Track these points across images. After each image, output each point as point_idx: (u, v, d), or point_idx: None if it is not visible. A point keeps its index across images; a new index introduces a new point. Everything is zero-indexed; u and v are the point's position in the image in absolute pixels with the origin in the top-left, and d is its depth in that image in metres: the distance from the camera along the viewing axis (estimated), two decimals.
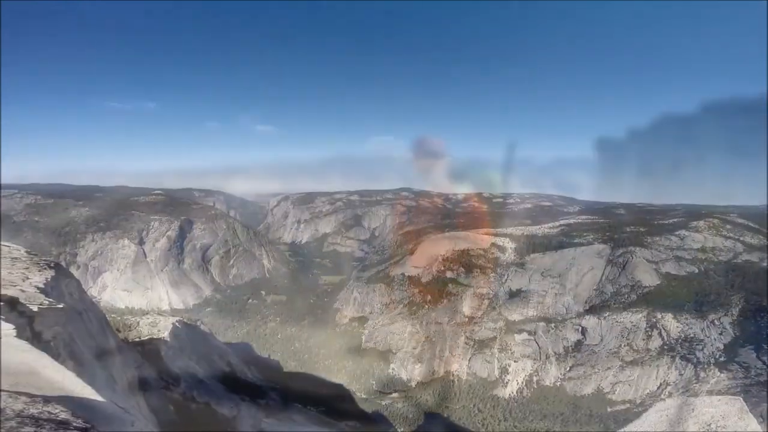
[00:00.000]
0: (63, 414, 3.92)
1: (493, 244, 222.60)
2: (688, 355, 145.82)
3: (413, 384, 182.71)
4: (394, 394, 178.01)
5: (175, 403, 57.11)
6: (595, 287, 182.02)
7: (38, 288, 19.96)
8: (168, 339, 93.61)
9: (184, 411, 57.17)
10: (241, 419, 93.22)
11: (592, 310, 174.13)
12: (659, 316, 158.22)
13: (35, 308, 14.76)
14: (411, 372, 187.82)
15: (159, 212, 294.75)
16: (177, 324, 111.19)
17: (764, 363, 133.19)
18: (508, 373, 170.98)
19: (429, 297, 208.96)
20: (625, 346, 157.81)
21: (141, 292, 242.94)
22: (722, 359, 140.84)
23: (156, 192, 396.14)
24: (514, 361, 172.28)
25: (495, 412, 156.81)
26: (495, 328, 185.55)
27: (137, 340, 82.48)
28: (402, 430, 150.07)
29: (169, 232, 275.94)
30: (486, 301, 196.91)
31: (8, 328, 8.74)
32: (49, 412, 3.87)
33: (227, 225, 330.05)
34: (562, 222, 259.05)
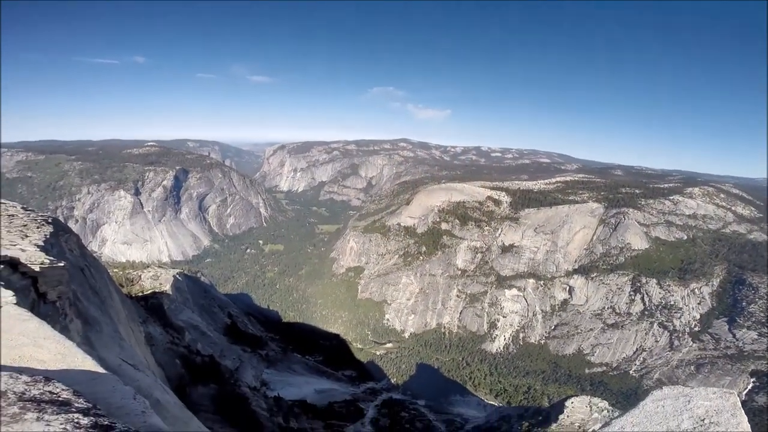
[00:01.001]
0: (64, 393, 4.10)
1: (489, 198, 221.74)
2: (665, 323, 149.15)
3: (407, 335, 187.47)
4: (389, 344, 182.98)
5: (181, 356, 59.11)
6: (585, 247, 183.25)
7: (38, 246, 19.57)
8: (170, 292, 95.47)
9: (189, 364, 59.53)
10: (244, 370, 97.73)
11: (581, 270, 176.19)
12: (644, 280, 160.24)
13: (37, 268, 14.67)
14: (405, 323, 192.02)
15: (153, 163, 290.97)
16: (178, 276, 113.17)
17: (734, 336, 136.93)
18: (496, 328, 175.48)
19: (424, 248, 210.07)
20: (608, 308, 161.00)
21: (140, 245, 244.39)
22: (696, 329, 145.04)
23: (149, 143, 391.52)
24: (503, 317, 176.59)
25: (482, 366, 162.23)
26: (486, 282, 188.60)
27: (141, 294, 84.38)
28: (395, 380, 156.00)
29: (164, 182, 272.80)
30: (479, 255, 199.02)
31: (8, 296, 8.88)
32: (50, 392, 4.05)
33: (223, 173, 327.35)
34: (558, 179, 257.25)
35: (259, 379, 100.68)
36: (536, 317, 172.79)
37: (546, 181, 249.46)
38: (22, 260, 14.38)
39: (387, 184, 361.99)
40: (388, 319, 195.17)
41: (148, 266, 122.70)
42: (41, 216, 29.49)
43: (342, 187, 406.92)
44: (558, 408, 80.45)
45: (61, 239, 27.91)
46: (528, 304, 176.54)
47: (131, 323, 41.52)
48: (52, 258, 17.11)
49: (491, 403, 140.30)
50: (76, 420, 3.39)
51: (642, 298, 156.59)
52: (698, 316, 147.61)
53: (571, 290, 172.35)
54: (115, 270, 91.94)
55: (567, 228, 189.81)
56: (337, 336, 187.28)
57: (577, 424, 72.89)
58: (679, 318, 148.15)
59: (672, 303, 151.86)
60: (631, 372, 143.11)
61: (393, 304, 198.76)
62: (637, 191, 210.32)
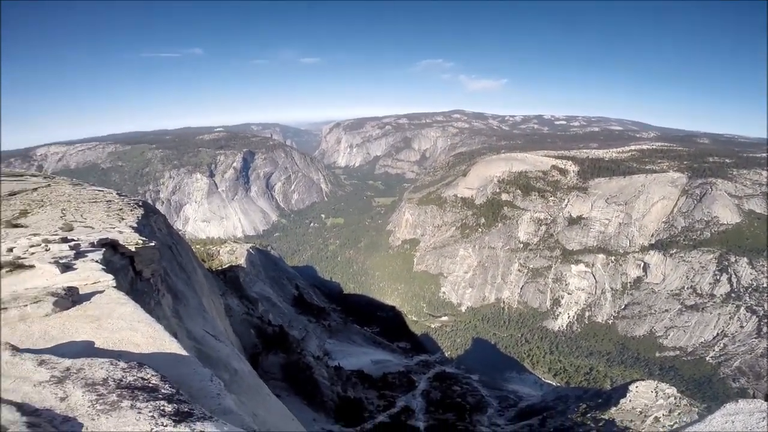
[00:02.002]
0: (153, 379, 4.62)
1: (554, 167, 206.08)
2: (755, 306, 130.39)
3: (463, 309, 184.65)
4: (444, 318, 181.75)
5: (255, 326, 64.35)
6: (664, 219, 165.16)
7: (133, 227, 21.78)
8: (245, 265, 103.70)
9: (262, 334, 64.74)
10: (309, 340, 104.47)
11: (658, 245, 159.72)
12: (733, 259, 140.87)
13: (133, 248, 16.14)
14: (461, 296, 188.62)
15: (223, 147, 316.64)
16: (251, 251, 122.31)
17: None
18: (560, 306, 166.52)
19: (482, 220, 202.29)
20: (688, 288, 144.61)
21: (217, 222, 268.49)
22: None
23: (217, 129, 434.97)
24: (568, 294, 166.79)
25: (542, 344, 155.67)
26: (551, 256, 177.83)
27: (220, 268, 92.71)
28: (449, 353, 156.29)
29: (234, 164, 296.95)
30: (543, 227, 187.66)
31: (108, 279, 10.03)
32: (142, 379, 4.59)
33: (285, 153, 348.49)
34: (633, 147, 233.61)
35: (322, 349, 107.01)
36: (605, 295, 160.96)
37: (619, 149, 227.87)
38: (121, 242, 16.09)
39: (441, 156, 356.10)
40: (444, 293, 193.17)
41: (225, 242, 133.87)
42: (133, 200, 32.99)
43: (396, 160, 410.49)
44: (620, 391, 76.10)
45: (151, 220, 31.03)
46: (596, 281, 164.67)
47: (212, 296, 45.52)
48: (144, 238, 19.00)
49: (549, 382, 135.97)
50: (161, 407, 3.83)
51: (729, 279, 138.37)
52: None
53: (645, 267, 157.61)
54: (197, 246, 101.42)
55: (643, 199, 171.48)
56: (393, 308, 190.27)
57: (638, 410, 68.77)
58: None
59: (765, 285, 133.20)
60: (707, 358, 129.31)
61: (449, 277, 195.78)
62: (727, 160, 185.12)
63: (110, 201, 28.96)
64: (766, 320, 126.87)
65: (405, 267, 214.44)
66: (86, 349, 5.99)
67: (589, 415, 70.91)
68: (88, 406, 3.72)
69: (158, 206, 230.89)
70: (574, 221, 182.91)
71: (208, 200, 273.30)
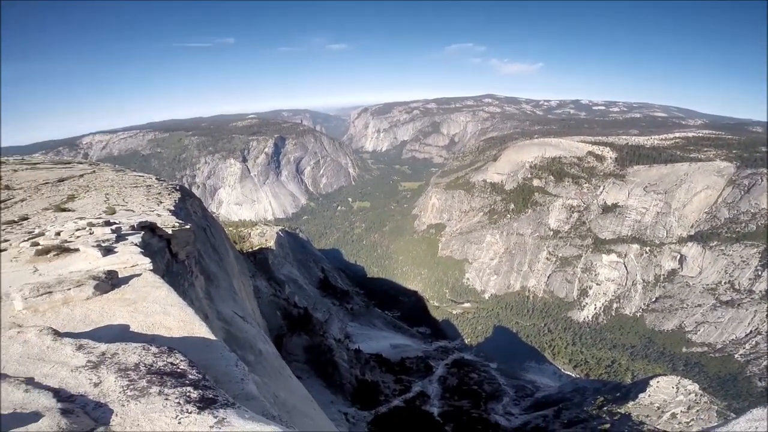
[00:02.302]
0: (182, 365, 4.92)
1: (590, 153, 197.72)
2: None
3: (486, 296, 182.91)
4: (466, 305, 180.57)
5: (281, 308, 66.39)
6: (706, 210, 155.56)
7: (170, 210, 22.78)
8: (274, 248, 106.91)
9: (288, 315, 66.84)
10: (332, 322, 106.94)
11: (698, 236, 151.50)
12: None
13: (170, 231, 16.31)
14: (485, 284, 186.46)
15: (255, 133, 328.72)
16: (280, 233, 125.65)
17: None
18: (587, 296, 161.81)
19: (512, 206, 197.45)
20: (726, 283, 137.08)
21: (249, 205, 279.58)
22: None
23: (250, 116, 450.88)
24: (597, 284, 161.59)
25: (564, 335, 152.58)
26: (582, 245, 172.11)
27: (250, 250, 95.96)
28: (469, 340, 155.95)
29: (266, 149, 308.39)
30: (576, 215, 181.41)
31: (146, 263, 10.58)
32: (171, 364, 4.88)
33: (315, 138, 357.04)
34: (678, 134, 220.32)
35: (343, 332, 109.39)
36: (635, 287, 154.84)
37: (662, 136, 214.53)
38: (159, 224, 16.77)
39: (471, 141, 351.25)
40: (467, 279, 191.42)
41: (255, 224, 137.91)
42: (171, 184, 34.44)
43: (423, 145, 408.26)
44: (641, 386, 74.09)
45: (187, 203, 32.30)
46: (628, 272, 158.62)
47: (242, 277, 47.08)
48: (181, 221, 19.76)
49: (568, 373, 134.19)
50: (187, 394, 4.10)
51: None
52: None
53: (682, 260, 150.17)
54: (229, 228, 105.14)
55: (685, 188, 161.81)
56: (415, 293, 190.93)
57: (656, 405, 66.83)
58: None
59: None
60: (736, 356, 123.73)
61: (474, 264, 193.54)
62: None
63: (150, 186, 30.34)
64: None
65: (429, 252, 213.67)
66: (122, 333, 6.40)
67: (605, 408, 69.74)
68: (120, 392, 4.02)
69: (194, 190, 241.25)
70: (608, 209, 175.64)
71: (240, 184, 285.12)
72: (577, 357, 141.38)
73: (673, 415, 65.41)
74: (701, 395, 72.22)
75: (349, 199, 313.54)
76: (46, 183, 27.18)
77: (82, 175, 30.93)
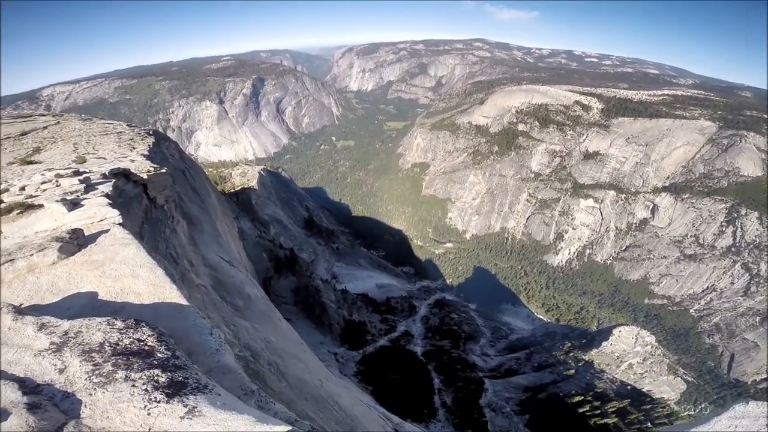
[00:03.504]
0: (150, 340, 4.76)
1: (577, 102, 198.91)
2: (751, 264, 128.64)
3: (467, 236, 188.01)
4: (448, 244, 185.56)
5: (267, 250, 66.27)
6: (683, 164, 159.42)
7: (144, 155, 21.61)
8: (257, 187, 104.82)
9: (274, 258, 67.07)
10: (318, 263, 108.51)
11: (672, 188, 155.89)
12: (743, 211, 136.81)
13: (145, 176, 15.66)
14: (467, 224, 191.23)
15: (231, 75, 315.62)
16: (263, 173, 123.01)
17: None
18: (563, 240, 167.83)
19: (496, 148, 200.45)
20: (691, 236, 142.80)
21: (229, 146, 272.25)
22: None
23: (225, 58, 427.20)
24: (572, 229, 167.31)
25: (539, 279, 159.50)
26: (561, 188, 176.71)
27: (232, 191, 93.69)
28: (450, 280, 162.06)
29: (243, 90, 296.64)
30: (557, 159, 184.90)
31: (114, 215, 10.05)
32: (138, 341, 4.72)
33: (296, 78, 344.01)
34: (666, 92, 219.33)
35: (330, 272, 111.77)
36: (608, 234, 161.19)
37: (650, 92, 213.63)
38: (133, 170, 15.91)
39: (458, 84, 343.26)
40: (450, 218, 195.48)
41: (236, 164, 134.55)
42: (144, 129, 32.52)
43: (410, 86, 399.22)
44: (604, 334, 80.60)
45: (162, 147, 30.73)
46: (602, 218, 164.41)
47: (226, 219, 46.25)
48: (156, 165, 18.88)
49: (540, 317, 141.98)
50: (155, 378, 4.00)
51: (734, 232, 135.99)
52: None
53: (654, 209, 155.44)
54: (209, 169, 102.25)
55: (666, 142, 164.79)
56: (399, 232, 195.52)
57: (616, 354, 73.16)
58: None
59: (767, 243, 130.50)
60: (691, 311, 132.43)
61: (457, 203, 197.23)
62: (766, 116, 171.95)
63: (121, 132, 28.66)
64: (756, 280, 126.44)
65: (413, 190, 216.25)
66: (90, 302, 6.19)
67: (571, 354, 75.95)
68: (86, 379, 3.89)
69: (169, 134, 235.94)
70: (589, 156, 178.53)
71: (218, 126, 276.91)
72: (550, 301, 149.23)
73: (630, 366, 72.09)
74: (656, 347, 79.09)
75: (333, 138, 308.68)
76: (8, 138, 25.27)
77: (45, 127, 28.89)
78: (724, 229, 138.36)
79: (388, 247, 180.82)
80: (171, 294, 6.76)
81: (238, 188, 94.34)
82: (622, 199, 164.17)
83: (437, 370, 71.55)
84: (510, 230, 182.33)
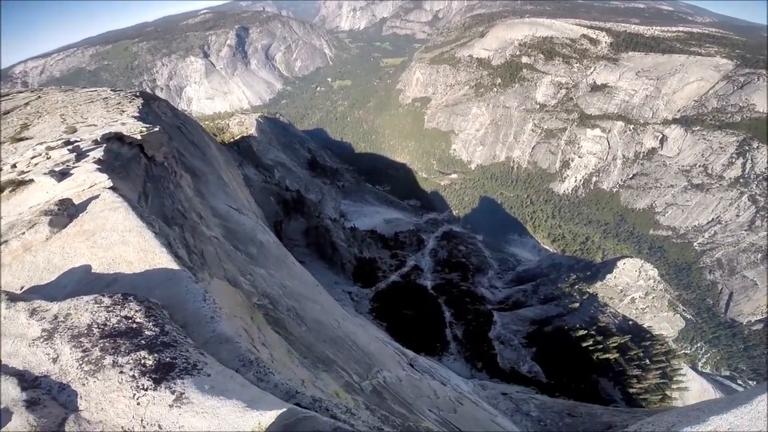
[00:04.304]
0: (138, 316, 4.74)
1: (584, 36, 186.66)
2: (757, 196, 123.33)
3: (472, 166, 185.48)
4: (453, 175, 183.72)
5: (274, 194, 66.00)
6: (696, 99, 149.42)
7: (135, 117, 21.02)
8: (256, 134, 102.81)
9: (282, 201, 66.95)
10: (325, 203, 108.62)
11: (683, 120, 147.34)
12: (755, 145, 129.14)
13: (139, 136, 15.45)
14: (472, 154, 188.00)
15: (212, 28, 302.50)
16: (260, 119, 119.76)
17: None
18: (569, 168, 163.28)
19: (499, 80, 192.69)
20: (700, 166, 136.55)
21: (221, 97, 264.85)
22: None
23: (202, 12, 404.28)
24: (579, 157, 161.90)
25: (545, 207, 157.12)
26: (567, 119, 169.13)
27: (232, 140, 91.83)
28: (456, 212, 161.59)
29: (228, 42, 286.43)
30: (563, 91, 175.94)
31: (104, 179, 9.78)
32: (126, 318, 4.72)
33: (282, 23, 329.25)
34: (681, 28, 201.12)
35: (337, 211, 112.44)
36: (615, 162, 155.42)
37: (664, 28, 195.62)
38: (125, 132, 15.67)
39: (456, 17, 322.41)
40: (454, 149, 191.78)
41: (232, 114, 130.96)
42: (130, 92, 31.10)
43: (405, 21, 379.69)
44: (609, 266, 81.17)
45: (153, 107, 29.70)
46: (609, 147, 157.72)
47: (230, 168, 45.85)
48: (149, 125, 18.49)
49: (546, 248, 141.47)
50: (142, 361, 4.05)
51: (744, 164, 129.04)
52: None
53: (663, 140, 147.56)
54: (205, 122, 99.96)
55: (679, 77, 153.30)
56: (403, 165, 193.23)
57: (620, 288, 74.24)
58: None
59: None
60: (695, 244, 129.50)
61: (461, 135, 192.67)
62: None
63: (107, 98, 27.59)
64: (762, 213, 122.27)
65: (415, 125, 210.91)
66: (84, 277, 6.22)
67: (576, 286, 77.44)
68: (77, 367, 3.97)
69: (158, 93, 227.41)
70: (597, 88, 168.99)
71: (207, 80, 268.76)
72: (556, 231, 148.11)
73: (632, 300, 73.52)
74: (658, 282, 79.77)
75: (329, 79, 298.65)
76: None
77: (27, 103, 27.61)
78: (733, 160, 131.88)
79: (393, 182, 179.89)
80: (162, 259, 6.68)
81: (238, 137, 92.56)
82: (630, 130, 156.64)
83: (447, 304, 73.88)
84: (515, 159, 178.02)
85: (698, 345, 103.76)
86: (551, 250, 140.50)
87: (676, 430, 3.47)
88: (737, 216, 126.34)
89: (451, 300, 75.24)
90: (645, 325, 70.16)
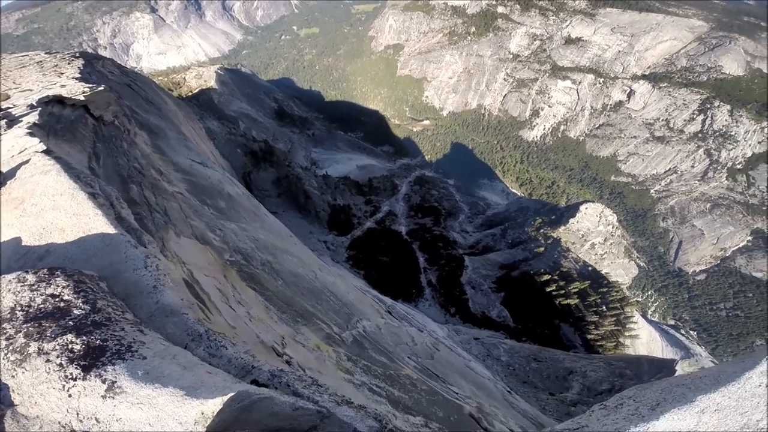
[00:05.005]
0: (66, 293, 4.21)
1: None
2: (713, 150, 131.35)
3: (444, 113, 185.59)
4: (425, 122, 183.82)
5: (240, 145, 62.83)
6: (667, 57, 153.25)
7: (76, 78, 19.03)
8: (216, 86, 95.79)
9: (249, 152, 63.95)
10: (295, 151, 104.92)
11: (651, 77, 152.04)
12: (716, 104, 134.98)
13: (82, 97, 14.32)
14: (444, 101, 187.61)
15: None
16: (219, 71, 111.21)
17: None
18: (538, 117, 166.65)
19: (473, 29, 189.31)
20: (663, 120, 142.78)
21: (175, 51, 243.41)
22: (738, 167, 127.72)
23: None
24: (549, 106, 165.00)
25: (515, 153, 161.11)
26: (539, 69, 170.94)
27: (190, 94, 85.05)
28: (429, 157, 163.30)
29: None
30: (537, 42, 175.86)
31: (35, 143, 8.80)
32: (52, 297, 4.19)
33: None
34: None
35: (308, 159, 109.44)
36: (583, 112, 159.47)
37: None
38: (65, 94, 14.50)
39: None
40: (427, 97, 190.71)
41: (188, 68, 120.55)
42: (68, 54, 27.55)
43: None
44: (572, 211, 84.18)
45: (96, 66, 26.75)
46: (579, 98, 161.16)
47: (191, 122, 43.16)
48: (91, 84, 16.87)
49: (514, 191, 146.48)
50: (70, 346, 3.62)
51: (704, 120, 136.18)
52: (749, 155, 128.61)
53: (630, 93, 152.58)
54: (159, 78, 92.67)
55: (653, 35, 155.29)
56: (376, 112, 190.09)
57: (581, 233, 77.49)
58: (730, 151, 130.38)
59: (732, 134, 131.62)
60: (651, 191, 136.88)
61: (433, 82, 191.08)
62: (763, 24, 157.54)
63: (41, 61, 24.58)
64: (714, 166, 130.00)
65: (388, 72, 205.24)
66: (16, 251, 5.65)
67: (541, 230, 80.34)
68: (4, 358, 3.55)
69: (102, 53, 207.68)
70: (571, 41, 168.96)
71: (157, 35, 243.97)
72: (524, 176, 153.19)
73: (592, 246, 77.03)
74: (617, 227, 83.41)
75: (294, 28, 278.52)
76: None
77: None
78: (695, 116, 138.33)
79: (366, 129, 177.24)
80: (96, 223, 5.99)
81: (196, 90, 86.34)
82: (600, 83, 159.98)
83: (422, 249, 75.56)
84: (486, 107, 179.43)
85: (649, 293, 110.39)
86: (519, 193, 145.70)
87: (663, 409, 3.34)
88: (692, 167, 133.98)
89: (424, 245, 76.82)
90: (603, 272, 74.67)
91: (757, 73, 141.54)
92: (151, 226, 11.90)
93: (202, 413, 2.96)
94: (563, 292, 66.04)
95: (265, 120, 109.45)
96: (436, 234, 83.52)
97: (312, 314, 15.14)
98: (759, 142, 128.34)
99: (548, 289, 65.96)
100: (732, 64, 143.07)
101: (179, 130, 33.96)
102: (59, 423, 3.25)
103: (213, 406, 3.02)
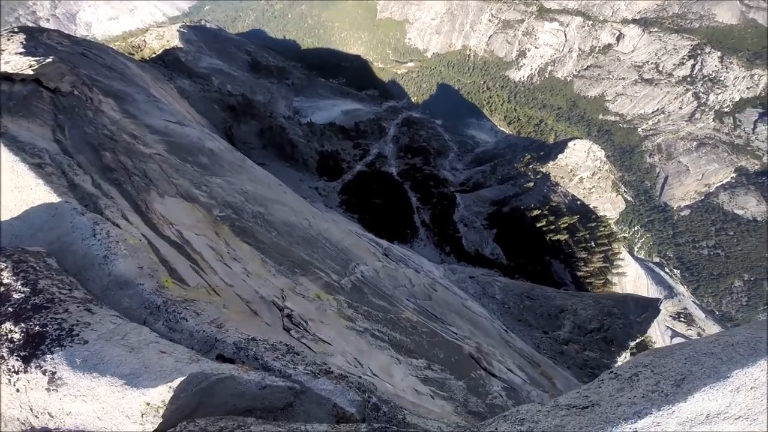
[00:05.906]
0: (5, 275, 3.69)
1: None
2: (701, 94, 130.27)
3: (429, 55, 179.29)
4: (410, 64, 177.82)
5: (217, 101, 59.28)
6: (659, 3, 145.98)
7: (20, 53, 17.44)
8: (181, 45, 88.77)
9: (227, 107, 60.17)
10: (276, 102, 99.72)
11: (642, 21, 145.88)
12: (707, 50, 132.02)
13: (30, 71, 13.43)
14: (428, 43, 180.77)
15: None
16: (182, 29, 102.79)
17: (754, 129, 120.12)
18: (525, 57, 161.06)
19: None
20: (652, 63, 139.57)
21: (128, 15, 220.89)
22: (725, 110, 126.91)
23: None
24: (535, 48, 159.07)
25: (502, 93, 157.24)
26: (525, 11, 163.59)
27: (154, 56, 78.46)
28: (415, 99, 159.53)
29: None
30: None
31: None
32: None
33: None
34: None
35: (291, 108, 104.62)
36: (571, 54, 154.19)
37: None
38: (11, 71, 13.63)
39: None
40: (409, 39, 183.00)
41: (146, 30, 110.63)
42: (4, 30, 24.66)
43: None
44: (560, 147, 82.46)
45: (41, 39, 24.31)
46: (566, 40, 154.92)
47: (159, 83, 40.69)
48: (39, 57, 15.57)
49: (503, 130, 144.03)
50: (10, 336, 3.25)
51: (693, 65, 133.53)
52: (737, 99, 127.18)
53: (620, 37, 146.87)
54: (116, 44, 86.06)
55: None
56: (358, 57, 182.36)
57: (570, 168, 76.25)
58: (718, 95, 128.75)
59: (720, 79, 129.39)
60: (639, 130, 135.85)
61: (415, 24, 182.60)
62: None
63: None
64: (702, 108, 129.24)
65: (368, 16, 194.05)
66: None
67: (530, 166, 79.07)
68: None
69: (45, 25, 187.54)
70: None
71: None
72: (511, 114, 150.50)
73: (581, 180, 76.08)
74: (604, 162, 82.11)
75: None
76: None
77: None
78: (684, 61, 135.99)
79: (349, 74, 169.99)
80: (38, 194, 5.46)
81: (160, 51, 79.84)
82: (588, 26, 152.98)
83: (413, 189, 74.70)
84: (472, 48, 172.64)
85: (635, 228, 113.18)
86: (507, 131, 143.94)
87: (691, 387, 2.50)
88: (680, 108, 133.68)
89: (416, 185, 76.00)
90: (591, 206, 74.88)
91: (751, 23, 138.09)
92: (131, 189, 11.58)
93: (147, 404, 2.54)
94: (553, 227, 66.62)
95: (240, 73, 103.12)
96: (427, 173, 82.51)
97: (309, 263, 15.01)
98: (748, 88, 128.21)
99: (538, 225, 66.42)
100: (726, 14, 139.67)
101: (148, 92, 32.24)
102: (18, 420, 3.10)
103: (158, 395, 2.59)
